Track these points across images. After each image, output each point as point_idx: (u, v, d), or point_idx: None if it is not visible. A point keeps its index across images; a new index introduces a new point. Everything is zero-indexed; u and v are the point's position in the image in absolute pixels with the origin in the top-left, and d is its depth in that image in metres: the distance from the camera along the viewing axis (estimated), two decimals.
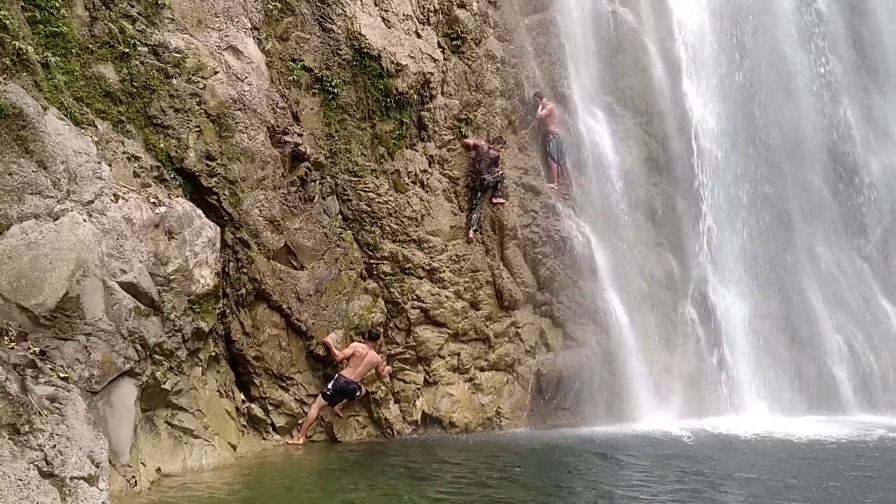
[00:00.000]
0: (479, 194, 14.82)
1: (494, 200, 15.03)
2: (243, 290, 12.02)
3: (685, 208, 18.04)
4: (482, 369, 14.63)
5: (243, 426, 11.92)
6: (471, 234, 14.69)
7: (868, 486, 10.29)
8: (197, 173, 11.48)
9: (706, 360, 17.13)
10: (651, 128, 18.20)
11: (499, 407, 14.58)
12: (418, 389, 13.93)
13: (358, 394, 12.76)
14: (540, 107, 16.17)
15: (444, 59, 15.07)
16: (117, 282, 9.25)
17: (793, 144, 19.98)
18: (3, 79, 8.79)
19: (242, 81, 12.14)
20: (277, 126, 12.53)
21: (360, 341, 12.94)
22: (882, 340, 19.50)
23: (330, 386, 12.51)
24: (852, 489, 9.99)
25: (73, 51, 10.36)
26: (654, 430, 14.53)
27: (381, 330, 13.30)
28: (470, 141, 14.96)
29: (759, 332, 17.96)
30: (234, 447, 11.26)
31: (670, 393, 16.33)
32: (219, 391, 11.44)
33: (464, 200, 14.91)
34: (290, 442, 12.30)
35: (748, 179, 18.95)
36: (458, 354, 14.34)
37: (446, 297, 14.29)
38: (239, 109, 11.96)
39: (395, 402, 13.69)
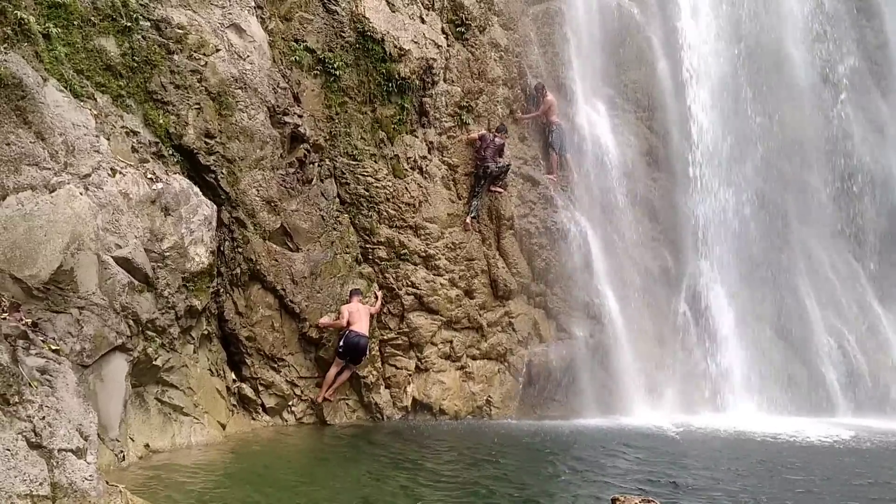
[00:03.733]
0: (483, 182, 14.78)
1: (493, 189, 15.01)
2: (238, 270, 12.01)
3: (683, 204, 18.05)
4: (474, 358, 14.65)
5: (233, 405, 11.93)
6: (468, 220, 14.68)
7: (837, 487, 10.35)
8: (195, 151, 11.45)
9: (697, 356, 17.18)
10: (652, 122, 18.18)
11: (489, 396, 14.60)
12: (409, 375, 13.95)
13: (366, 350, 12.84)
14: (540, 100, 16.12)
15: (448, 46, 15.01)
16: (112, 256, 9.23)
17: (793, 145, 19.98)
18: (4, 48, 8.73)
19: (244, 60, 12.08)
20: (278, 106, 12.48)
21: (345, 305, 12.97)
22: (872, 343, 19.59)
23: (341, 343, 12.64)
24: (818, 490, 10.04)
25: (75, 22, 10.29)
26: (644, 424, 14.57)
27: (357, 288, 13.31)
28: (475, 135, 14.92)
29: (751, 330, 18.02)
30: (224, 426, 11.26)
31: (661, 388, 16.39)
32: (210, 370, 11.44)
33: (462, 188, 14.89)
34: (317, 400, 12.72)
35: (746, 178, 18.96)
36: (451, 342, 14.35)
37: (441, 284, 14.29)
38: (240, 88, 11.91)
39: (386, 388, 13.71)
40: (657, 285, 17.24)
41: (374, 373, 13.51)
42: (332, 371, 12.80)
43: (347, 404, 13.31)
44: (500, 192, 15.09)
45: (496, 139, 14.86)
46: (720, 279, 18.08)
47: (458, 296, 14.44)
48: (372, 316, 13.28)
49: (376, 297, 13.60)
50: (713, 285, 17.90)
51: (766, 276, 18.79)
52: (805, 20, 20.96)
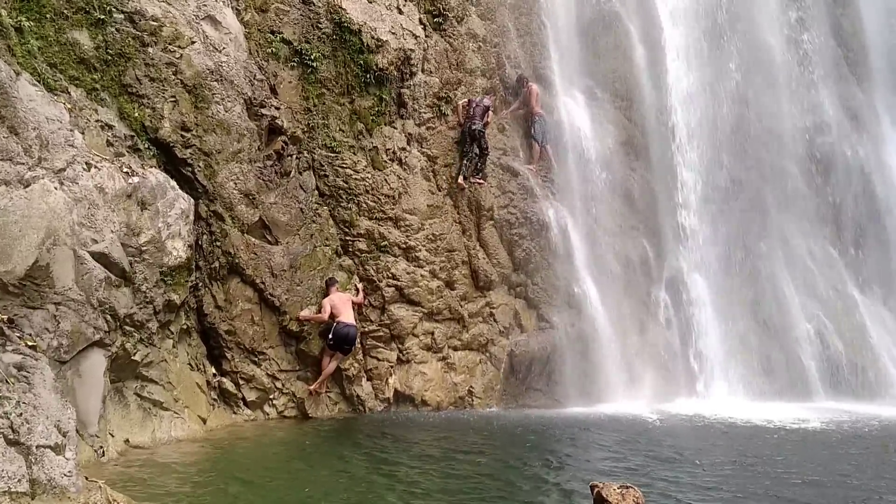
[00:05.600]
0: (468, 142, 14.93)
1: (473, 180, 15.04)
2: (216, 264, 11.96)
3: (662, 193, 18.11)
4: (455, 349, 14.67)
5: (214, 400, 11.90)
6: (461, 180, 14.84)
7: (814, 468, 10.46)
8: (171, 144, 11.38)
9: (677, 344, 17.27)
10: (630, 112, 18.20)
11: (471, 386, 14.64)
12: (391, 367, 13.95)
13: (355, 340, 12.98)
14: (524, 90, 16.16)
15: (426, 37, 14.98)
16: (88, 251, 9.17)
17: (770, 133, 20.09)
18: None
19: (220, 52, 12.01)
20: (255, 98, 12.42)
21: (326, 297, 12.98)
22: (851, 330, 19.75)
23: (331, 335, 12.74)
24: (795, 471, 10.16)
25: (48, 16, 10.20)
26: (625, 412, 14.66)
27: (332, 277, 13.32)
28: (463, 101, 15.09)
29: (730, 318, 18.13)
30: (204, 420, 11.24)
31: (641, 376, 16.46)
32: (190, 364, 11.40)
33: (442, 179, 14.89)
34: (311, 389, 12.82)
35: (725, 166, 19.05)
36: (432, 333, 14.36)
37: (422, 275, 14.29)
38: (216, 80, 11.84)
39: (368, 380, 13.71)
40: (637, 274, 17.30)
41: (356, 365, 13.51)
42: (326, 361, 12.93)
43: (329, 397, 13.30)
44: (479, 183, 15.11)
45: (484, 100, 15.11)
46: (699, 267, 18.18)
47: (438, 287, 14.45)
48: (355, 304, 13.30)
49: (357, 290, 13.60)
50: (692, 273, 18.00)
51: (744, 263, 18.91)
52: (781, 8, 21.07)
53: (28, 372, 7.17)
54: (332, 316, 12.79)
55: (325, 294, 13.04)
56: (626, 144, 18.02)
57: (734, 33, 19.57)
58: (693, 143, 18.54)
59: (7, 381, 6.78)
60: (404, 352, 14.10)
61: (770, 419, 14.64)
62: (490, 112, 15.16)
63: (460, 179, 14.86)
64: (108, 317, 9.38)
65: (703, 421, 14.40)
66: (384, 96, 14.23)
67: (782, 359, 18.49)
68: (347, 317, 12.85)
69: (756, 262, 19.13)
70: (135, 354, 9.94)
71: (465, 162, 14.94)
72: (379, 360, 13.85)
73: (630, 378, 16.16)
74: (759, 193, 19.60)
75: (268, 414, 12.50)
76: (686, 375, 17.10)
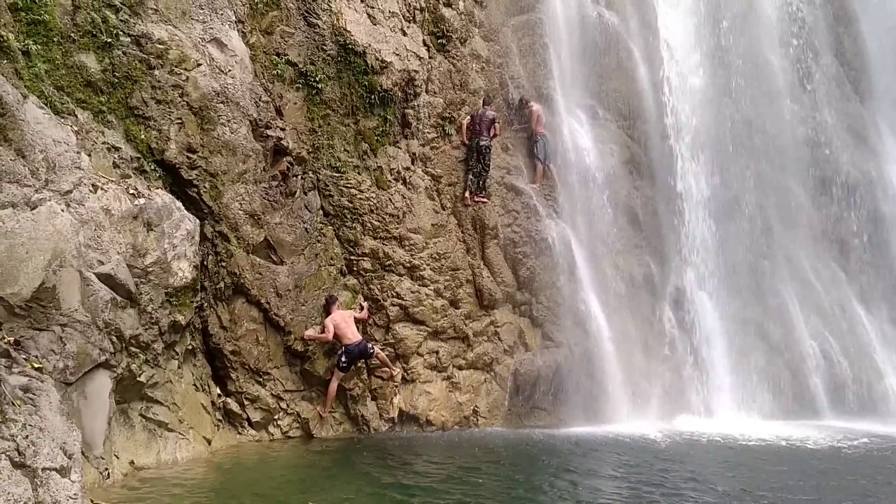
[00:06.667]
0: (475, 156, 15.09)
1: (477, 198, 15.10)
2: (222, 284, 11.98)
3: (665, 212, 18.14)
4: (460, 368, 14.65)
5: (219, 420, 11.88)
6: (466, 195, 14.98)
7: (824, 490, 10.41)
8: (177, 165, 11.43)
9: (683, 363, 17.24)
10: (633, 131, 18.27)
11: (476, 406, 14.61)
12: (396, 387, 13.93)
13: (370, 348, 13.11)
14: (527, 111, 16.26)
15: (430, 58, 15.07)
16: (94, 273, 9.20)
17: (773, 151, 20.14)
18: None
19: (226, 74, 12.08)
20: (260, 120, 12.49)
21: (328, 317, 12.95)
22: (856, 347, 19.72)
23: (344, 359, 12.82)
24: (807, 493, 10.10)
25: (55, 39, 10.28)
26: (630, 432, 14.61)
27: (332, 294, 13.30)
28: (466, 120, 15.20)
29: (735, 336, 18.11)
30: (209, 441, 11.22)
31: (647, 395, 16.42)
32: (195, 385, 11.40)
33: (446, 198, 14.95)
34: (321, 412, 12.90)
35: (728, 184, 19.09)
36: (437, 352, 14.35)
37: (426, 294, 14.30)
38: (221, 102, 11.91)
39: (372, 399, 13.69)
40: (641, 292, 17.31)
41: (360, 385, 13.49)
42: (333, 385, 12.93)
43: (334, 417, 13.28)
44: (483, 202, 15.15)
45: (487, 112, 15.23)
46: (704, 285, 18.17)
47: (443, 306, 14.45)
48: (358, 321, 13.30)
49: (362, 308, 13.61)
50: (697, 291, 18.00)
51: (749, 281, 18.90)
52: (782, 27, 21.18)
53: (34, 394, 7.18)
54: (337, 337, 12.78)
55: (327, 312, 13.04)
56: (629, 163, 18.07)
57: (736, 52, 19.66)
58: (696, 160, 18.58)
59: (13, 404, 6.79)
60: (409, 371, 14.09)
61: (776, 438, 14.59)
62: (496, 124, 15.24)
63: (466, 194, 14.93)
64: (114, 338, 9.39)
65: (709, 440, 14.35)
66: (388, 117, 14.31)
67: (788, 377, 18.46)
68: (352, 336, 12.86)
69: (760, 279, 19.13)
70: (140, 375, 9.95)
71: (470, 177, 15.07)
72: (384, 379, 13.82)
73: (635, 397, 16.12)
74: (763, 211, 19.63)
75: (272, 434, 12.48)
76: (691, 394, 17.06)
